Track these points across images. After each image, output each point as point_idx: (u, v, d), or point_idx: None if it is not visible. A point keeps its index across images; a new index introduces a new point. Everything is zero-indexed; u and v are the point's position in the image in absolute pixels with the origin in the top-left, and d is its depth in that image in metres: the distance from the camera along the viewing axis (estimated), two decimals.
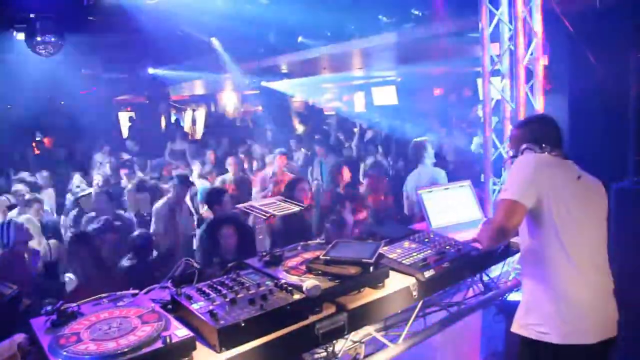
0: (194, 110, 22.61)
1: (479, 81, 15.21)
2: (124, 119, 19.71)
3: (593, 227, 2.69)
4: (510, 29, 4.10)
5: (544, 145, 2.71)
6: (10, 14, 6.59)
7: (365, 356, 2.93)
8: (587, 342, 2.52)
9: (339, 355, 2.74)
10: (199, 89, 20.99)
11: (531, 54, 4.09)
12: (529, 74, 4.12)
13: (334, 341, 2.65)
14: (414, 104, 15.60)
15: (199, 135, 18.24)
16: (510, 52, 4.14)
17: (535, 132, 2.78)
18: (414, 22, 8.23)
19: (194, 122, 21.48)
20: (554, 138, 2.77)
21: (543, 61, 4.09)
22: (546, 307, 2.59)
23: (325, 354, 2.70)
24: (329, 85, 20.74)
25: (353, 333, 2.78)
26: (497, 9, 4.13)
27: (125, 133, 17.69)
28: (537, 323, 2.61)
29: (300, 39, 9.29)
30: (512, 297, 3.96)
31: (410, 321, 3.01)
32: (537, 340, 2.60)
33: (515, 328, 2.72)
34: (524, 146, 2.75)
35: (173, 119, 20.76)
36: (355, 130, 13.15)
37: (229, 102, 22.43)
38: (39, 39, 7.81)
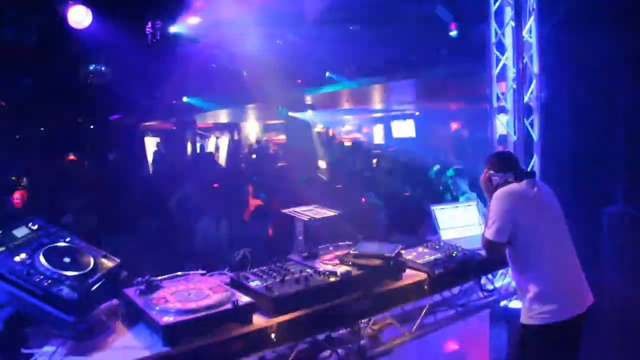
0: (217, 138, 23.42)
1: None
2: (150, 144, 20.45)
3: (554, 224, 3.40)
4: (513, 72, 4.73)
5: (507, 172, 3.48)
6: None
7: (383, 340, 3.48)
8: (567, 317, 3.20)
9: (363, 336, 3.28)
10: (223, 117, 21.80)
11: (531, 93, 4.72)
12: (530, 110, 4.74)
13: (360, 322, 3.20)
14: (432, 137, 16.25)
15: (222, 161, 18.92)
16: (514, 90, 4.76)
17: (498, 164, 3.57)
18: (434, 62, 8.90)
19: (216, 149, 22.26)
20: (513, 165, 3.56)
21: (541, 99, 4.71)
22: (540, 296, 3.22)
23: (352, 333, 3.25)
24: (349, 117, 21.53)
25: (374, 320, 3.36)
26: (503, 54, 4.77)
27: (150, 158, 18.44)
28: (540, 311, 3.22)
29: (327, 73, 10.00)
30: (513, 304, 4.50)
31: (423, 312, 3.57)
32: (540, 325, 3.22)
33: (524, 319, 3.32)
34: (495, 178, 3.51)
35: (198, 145, 21.52)
36: (374, 161, 13.78)
37: (252, 130, 23.21)
38: (90, 68, 8.52)
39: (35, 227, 2.59)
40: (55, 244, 2.54)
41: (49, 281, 2.28)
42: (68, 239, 2.64)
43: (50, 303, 2.24)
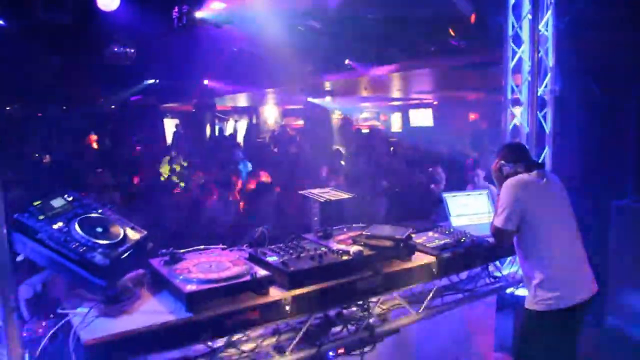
0: (236, 121, 23.64)
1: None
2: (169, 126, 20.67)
3: (562, 214, 3.58)
4: (529, 65, 4.83)
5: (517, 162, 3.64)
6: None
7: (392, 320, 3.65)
8: (570, 305, 3.35)
9: (372, 314, 3.45)
10: (241, 101, 21.96)
11: (545, 86, 4.83)
12: (544, 103, 4.85)
13: (370, 300, 3.37)
14: (449, 127, 16.28)
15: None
16: (529, 83, 4.86)
17: (509, 154, 3.73)
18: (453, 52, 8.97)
19: (235, 132, 22.46)
20: (523, 156, 3.72)
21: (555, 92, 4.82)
22: (545, 283, 3.39)
23: (362, 310, 3.41)
24: (367, 104, 21.59)
25: (384, 300, 3.53)
26: (519, 46, 4.87)
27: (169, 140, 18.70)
28: (544, 297, 3.39)
29: (346, 61, 10.12)
30: (520, 292, 4.63)
31: (430, 294, 3.72)
32: (543, 311, 3.38)
33: (529, 305, 3.49)
34: (506, 168, 3.68)
35: (217, 128, 21.77)
36: (391, 149, 13.91)
37: (270, 115, 23.38)
38: (115, 49, 8.68)
39: (71, 198, 2.78)
40: (89, 215, 2.73)
41: (84, 248, 2.47)
42: (100, 211, 2.84)
43: (85, 268, 2.44)
